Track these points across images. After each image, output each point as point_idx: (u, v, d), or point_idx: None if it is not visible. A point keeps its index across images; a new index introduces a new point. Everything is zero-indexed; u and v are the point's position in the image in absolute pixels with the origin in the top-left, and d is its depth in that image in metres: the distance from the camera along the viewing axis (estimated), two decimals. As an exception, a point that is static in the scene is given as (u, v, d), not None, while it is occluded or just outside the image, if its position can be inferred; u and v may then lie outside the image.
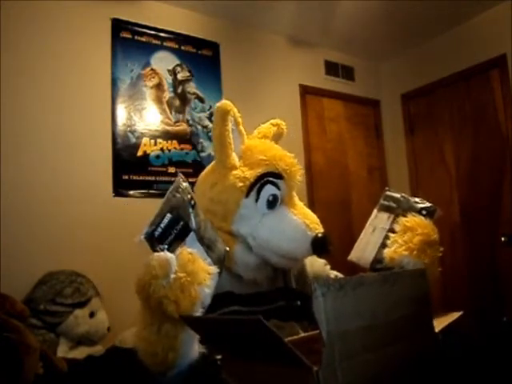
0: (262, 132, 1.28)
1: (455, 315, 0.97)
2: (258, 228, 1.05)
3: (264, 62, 3.22)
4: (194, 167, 2.75)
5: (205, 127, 2.84)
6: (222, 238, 1.06)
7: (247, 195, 1.06)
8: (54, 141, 2.31)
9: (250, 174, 1.06)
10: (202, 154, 2.80)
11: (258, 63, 3.18)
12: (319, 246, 1.03)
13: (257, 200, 1.05)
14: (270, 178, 1.07)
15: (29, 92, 2.27)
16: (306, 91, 3.39)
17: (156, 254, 0.81)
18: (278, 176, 1.08)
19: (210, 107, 2.88)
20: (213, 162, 1.21)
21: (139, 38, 2.68)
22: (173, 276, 0.79)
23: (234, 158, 1.09)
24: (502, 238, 2.94)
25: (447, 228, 3.30)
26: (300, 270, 1.23)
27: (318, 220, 1.09)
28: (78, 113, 2.41)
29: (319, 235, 1.03)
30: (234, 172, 1.08)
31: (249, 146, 1.13)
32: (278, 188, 1.07)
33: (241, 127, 1.13)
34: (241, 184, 1.06)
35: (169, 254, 0.81)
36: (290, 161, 1.12)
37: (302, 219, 1.04)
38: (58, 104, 2.35)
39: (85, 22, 2.49)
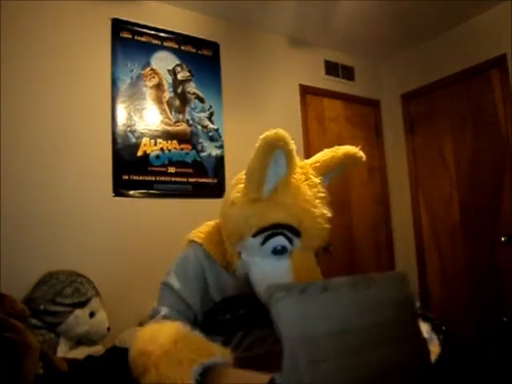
0: (319, 162, 1.12)
1: None
2: (254, 265, 1.01)
3: (264, 62, 3.22)
4: (194, 167, 2.75)
5: (205, 127, 2.84)
6: (229, 249, 1.06)
7: (254, 235, 0.98)
8: (54, 141, 2.31)
9: (269, 216, 0.97)
10: (202, 154, 2.80)
11: (258, 63, 3.18)
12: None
13: (263, 244, 0.98)
14: (286, 232, 0.96)
15: (29, 92, 2.27)
16: (306, 91, 3.39)
17: None
18: (296, 232, 0.97)
19: (210, 107, 2.88)
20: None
21: (139, 38, 2.68)
22: None
23: (261, 192, 0.97)
24: (502, 238, 2.95)
25: (447, 228, 3.30)
26: None
27: (318, 278, 1.00)
28: (78, 113, 2.41)
29: None
30: (256, 205, 0.98)
31: (293, 185, 1.00)
32: (291, 242, 0.97)
33: (293, 159, 0.97)
34: (253, 223, 0.98)
35: None
36: (317, 220, 1.00)
37: (294, 279, 0.96)
38: (58, 104, 2.35)
39: (85, 21, 2.49)
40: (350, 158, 1.12)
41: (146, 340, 0.90)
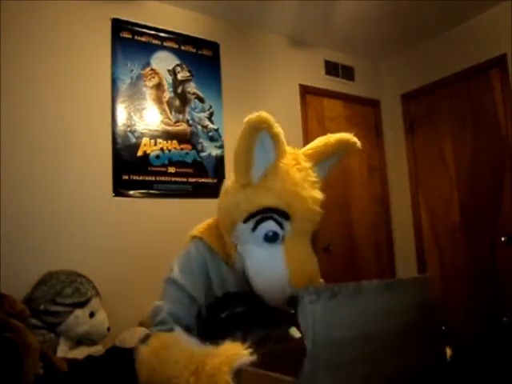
0: (312, 148, 1.11)
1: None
2: (247, 255, 1.01)
3: (264, 62, 3.22)
4: (194, 167, 2.75)
5: (205, 127, 2.84)
6: (228, 241, 1.06)
7: (245, 221, 0.98)
8: (54, 141, 2.31)
9: (258, 200, 0.96)
10: (202, 154, 2.80)
11: (258, 63, 3.18)
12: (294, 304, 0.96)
13: (253, 230, 0.98)
14: (275, 216, 0.96)
15: (29, 92, 2.27)
16: (306, 91, 3.39)
17: None
18: (285, 216, 0.96)
19: (210, 107, 2.88)
20: None
21: (139, 38, 2.68)
22: None
23: (250, 176, 0.97)
24: (502, 238, 2.95)
25: (447, 228, 3.30)
26: None
27: (313, 267, 0.99)
28: (78, 113, 2.41)
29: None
30: (246, 191, 0.98)
31: (281, 169, 0.99)
32: (282, 227, 0.97)
33: (279, 143, 0.97)
34: (243, 208, 0.98)
35: None
36: (307, 203, 0.97)
37: (289, 269, 0.94)
38: (58, 104, 2.35)
39: (85, 21, 2.49)
40: (344, 144, 1.13)
41: (158, 361, 0.90)
